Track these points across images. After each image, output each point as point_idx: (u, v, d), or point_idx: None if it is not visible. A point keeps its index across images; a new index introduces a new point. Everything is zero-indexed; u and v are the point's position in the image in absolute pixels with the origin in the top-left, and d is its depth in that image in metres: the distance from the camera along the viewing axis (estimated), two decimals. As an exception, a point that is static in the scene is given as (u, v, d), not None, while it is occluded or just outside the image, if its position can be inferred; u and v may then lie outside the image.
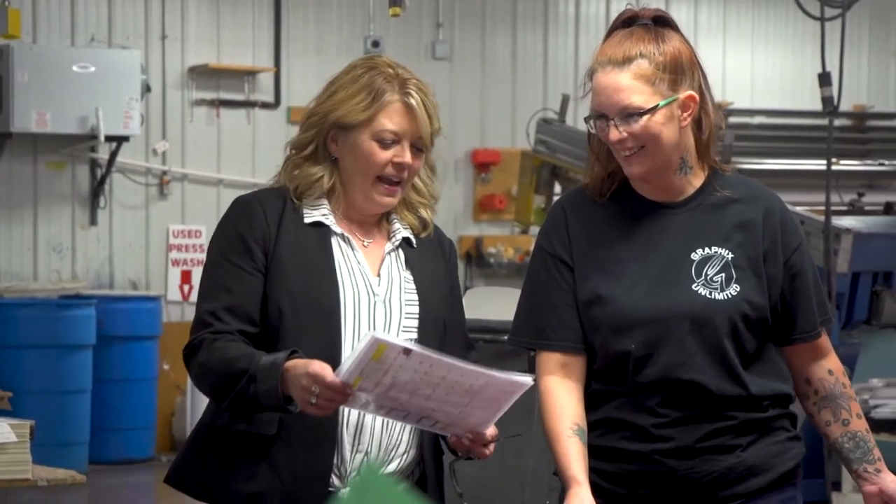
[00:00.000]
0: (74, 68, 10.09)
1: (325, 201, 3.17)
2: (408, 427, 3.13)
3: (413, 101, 3.12)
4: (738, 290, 3.09)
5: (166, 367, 10.41)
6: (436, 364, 2.83)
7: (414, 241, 3.24)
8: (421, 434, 3.16)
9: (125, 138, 10.35)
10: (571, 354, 3.13)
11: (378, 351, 2.79)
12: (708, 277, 3.10)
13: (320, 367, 2.87)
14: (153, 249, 10.81)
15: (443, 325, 3.15)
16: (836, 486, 6.67)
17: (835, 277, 6.44)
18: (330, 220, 3.16)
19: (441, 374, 2.83)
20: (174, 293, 10.83)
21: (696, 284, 3.09)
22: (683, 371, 3.07)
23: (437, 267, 3.25)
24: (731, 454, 3.10)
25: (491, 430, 2.98)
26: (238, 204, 3.18)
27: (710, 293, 3.09)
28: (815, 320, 3.19)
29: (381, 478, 1.55)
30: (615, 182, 3.16)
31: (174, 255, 10.85)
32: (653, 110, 3.02)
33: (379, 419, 3.10)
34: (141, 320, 10.12)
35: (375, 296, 3.14)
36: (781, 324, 3.17)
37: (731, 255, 3.11)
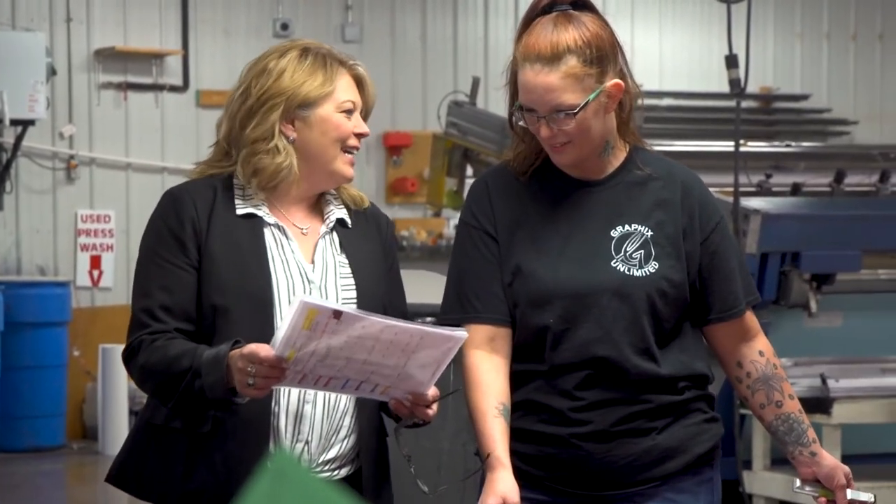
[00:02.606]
0: (-22, 51, 9.97)
1: (261, 192, 3.14)
2: (349, 412, 3.13)
3: (362, 72, 3.23)
4: (656, 267, 3.11)
5: (76, 353, 10.30)
6: (368, 325, 2.80)
7: (349, 220, 3.23)
8: (360, 418, 3.15)
9: (31, 122, 10.23)
10: (499, 327, 3.13)
11: (308, 317, 2.76)
12: (627, 254, 3.12)
13: (255, 346, 2.85)
14: (61, 234, 10.70)
15: (382, 308, 3.11)
16: (747, 464, 6.74)
17: (744, 258, 6.49)
18: (263, 211, 3.14)
19: (374, 334, 2.81)
20: (83, 278, 10.72)
21: (615, 261, 3.11)
22: (600, 347, 3.08)
23: (373, 246, 3.24)
24: (646, 437, 3.12)
25: (432, 391, 2.96)
26: (168, 196, 3.14)
27: (629, 269, 3.10)
28: (734, 300, 3.19)
29: (296, 464, 1.54)
30: (539, 159, 3.18)
31: (83, 239, 10.74)
32: (584, 106, 3.03)
33: (319, 407, 3.09)
34: (50, 306, 10.01)
35: (311, 283, 3.12)
36: (700, 302, 3.19)
37: (650, 233, 3.13)
